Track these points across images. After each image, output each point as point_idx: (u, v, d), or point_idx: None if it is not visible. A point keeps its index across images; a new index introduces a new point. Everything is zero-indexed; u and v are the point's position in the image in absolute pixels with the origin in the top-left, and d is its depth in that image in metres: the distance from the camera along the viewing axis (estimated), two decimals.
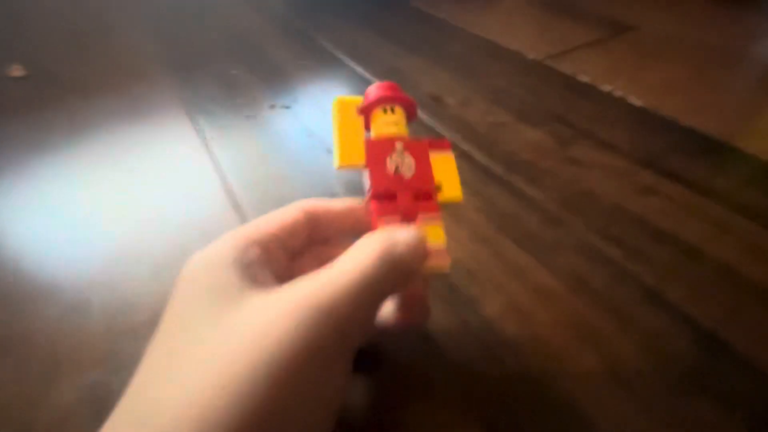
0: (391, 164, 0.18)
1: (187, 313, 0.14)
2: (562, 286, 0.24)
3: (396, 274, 0.15)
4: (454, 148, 0.34)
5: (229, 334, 0.13)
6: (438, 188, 0.19)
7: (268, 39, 0.55)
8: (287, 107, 0.41)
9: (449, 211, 0.28)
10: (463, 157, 0.33)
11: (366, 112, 0.20)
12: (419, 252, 0.16)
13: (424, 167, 0.19)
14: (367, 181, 0.18)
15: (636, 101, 0.39)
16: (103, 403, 0.19)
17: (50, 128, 0.38)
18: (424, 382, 0.20)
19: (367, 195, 0.19)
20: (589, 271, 0.24)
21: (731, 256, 0.24)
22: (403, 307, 0.19)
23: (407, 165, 0.19)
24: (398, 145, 0.19)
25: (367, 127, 0.20)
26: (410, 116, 0.21)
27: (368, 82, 0.44)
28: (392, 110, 0.20)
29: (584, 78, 0.43)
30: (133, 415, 0.13)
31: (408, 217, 0.18)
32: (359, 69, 0.47)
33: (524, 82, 0.43)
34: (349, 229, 0.19)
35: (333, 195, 0.30)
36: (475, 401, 0.19)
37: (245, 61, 0.50)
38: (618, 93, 0.40)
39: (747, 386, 0.19)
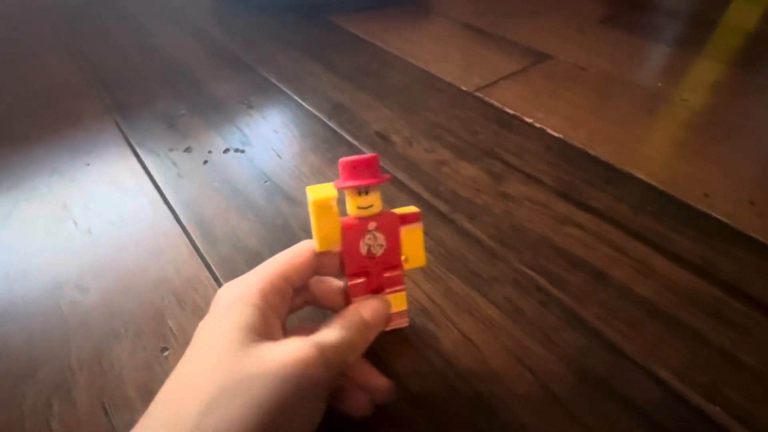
0: (363, 246, 0.21)
1: (218, 339, 0.19)
2: (501, 316, 0.28)
3: (364, 336, 0.21)
4: (403, 187, 0.38)
5: (256, 360, 0.18)
6: (405, 260, 0.22)
7: (210, 73, 0.55)
8: (241, 151, 0.42)
9: None
10: (412, 197, 0.37)
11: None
12: (381, 317, 0.22)
13: (393, 243, 0.22)
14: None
15: (553, 132, 0.45)
16: None
17: None
18: (394, 416, 0.23)
19: (344, 271, 0.22)
20: (522, 300, 0.29)
21: (629, 277, 0.31)
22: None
23: (378, 243, 0.22)
24: (371, 226, 0.21)
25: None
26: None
27: (317, 119, 0.46)
28: (366, 192, 0.21)
29: (511, 110, 0.48)
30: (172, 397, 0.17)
31: (377, 292, 0.22)
32: (306, 105, 0.49)
33: (460, 115, 0.47)
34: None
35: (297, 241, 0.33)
36: (440, 429, 0.23)
37: (190, 99, 0.50)
38: (538, 124, 0.46)
39: (643, 388, 0.25)
